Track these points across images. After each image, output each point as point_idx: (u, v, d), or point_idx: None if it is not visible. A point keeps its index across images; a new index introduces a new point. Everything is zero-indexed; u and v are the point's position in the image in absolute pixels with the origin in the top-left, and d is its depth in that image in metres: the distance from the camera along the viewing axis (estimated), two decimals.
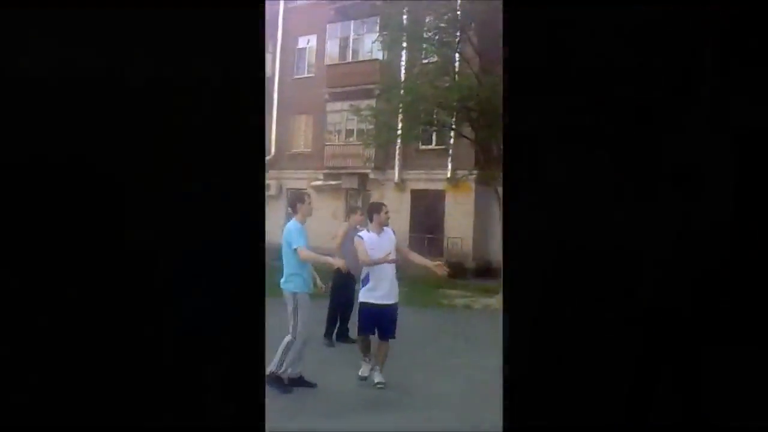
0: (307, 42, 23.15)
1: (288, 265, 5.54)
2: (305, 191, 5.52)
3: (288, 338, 5.42)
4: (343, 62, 21.47)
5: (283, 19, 23.37)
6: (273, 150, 23.34)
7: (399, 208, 19.51)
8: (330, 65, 21.59)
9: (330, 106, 21.67)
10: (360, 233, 5.79)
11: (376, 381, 5.63)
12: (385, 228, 5.82)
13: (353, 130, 21.01)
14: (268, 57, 23.62)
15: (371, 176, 20.29)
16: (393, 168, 19.97)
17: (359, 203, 20.26)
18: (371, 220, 5.89)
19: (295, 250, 5.38)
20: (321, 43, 22.44)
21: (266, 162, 22.91)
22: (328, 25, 21.89)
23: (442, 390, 5.72)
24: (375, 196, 20.32)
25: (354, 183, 20.75)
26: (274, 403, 4.99)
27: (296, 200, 5.73)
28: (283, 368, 5.37)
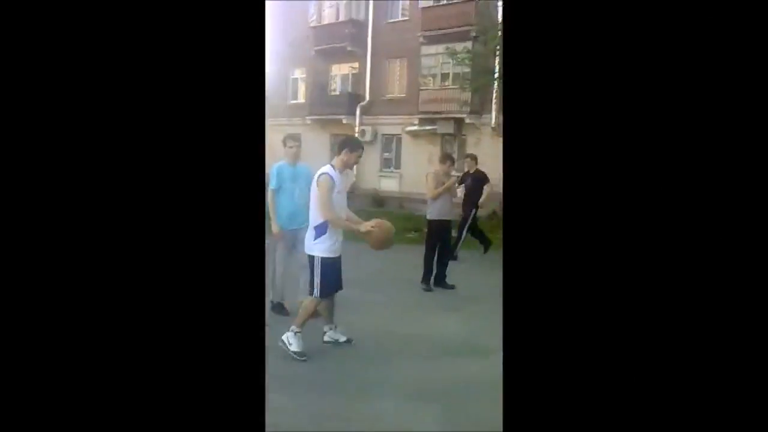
0: None
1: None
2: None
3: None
4: (437, 4, 20.95)
5: None
6: (368, 96, 23.36)
7: (496, 153, 19.12)
8: (424, 8, 21.11)
9: (425, 50, 21.30)
10: (330, 172, 4.69)
11: (344, 339, 5.20)
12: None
13: (449, 74, 20.61)
14: (360, 3, 23.42)
15: (467, 121, 19.94)
16: (490, 112, 19.54)
17: (455, 148, 20.09)
18: (338, 154, 4.91)
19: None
20: None
21: (360, 107, 23.02)
22: None
23: None
24: (471, 141, 20.05)
25: (449, 128, 20.49)
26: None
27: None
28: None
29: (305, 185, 5.38)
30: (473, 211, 9.92)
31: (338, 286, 4.97)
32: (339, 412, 3.80)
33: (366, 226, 4.73)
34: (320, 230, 4.70)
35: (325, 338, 5.16)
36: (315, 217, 4.72)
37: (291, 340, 4.79)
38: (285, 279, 6.11)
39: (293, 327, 4.83)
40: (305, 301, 4.93)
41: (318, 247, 4.73)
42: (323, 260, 4.72)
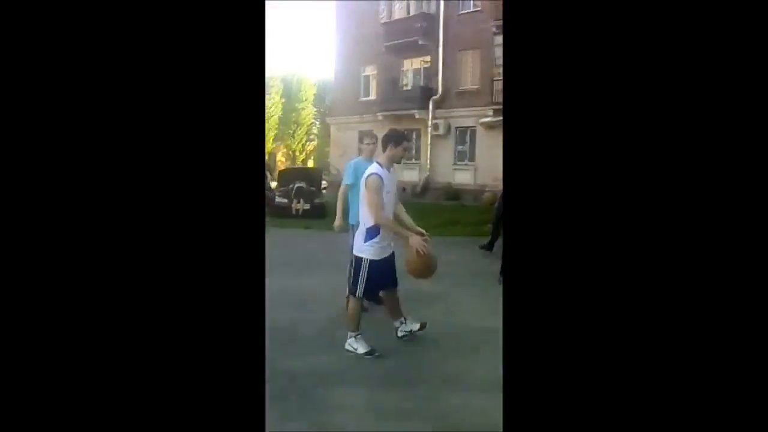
0: None
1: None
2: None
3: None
4: None
5: None
6: (440, 89, 23.17)
7: None
8: None
9: (498, 40, 20.89)
10: (378, 172, 4.47)
11: (417, 328, 5.04)
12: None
13: None
14: None
15: None
16: None
17: None
18: (384, 151, 4.69)
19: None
20: None
21: (433, 101, 22.85)
22: None
23: None
24: None
25: None
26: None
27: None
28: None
29: None
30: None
31: (384, 286, 4.83)
32: (419, 406, 3.69)
33: (415, 239, 4.51)
34: (372, 233, 4.53)
35: (399, 333, 5.01)
36: (366, 219, 4.55)
37: (355, 345, 4.69)
38: None
39: (350, 333, 4.73)
40: (350, 304, 4.77)
41: (368, 250, 4.57)
42: (372, 263, 4.57)
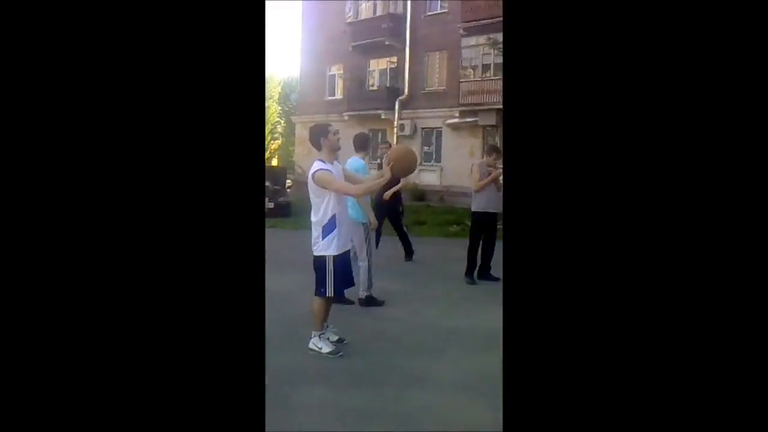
0: None
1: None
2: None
3: (364, 263, 6.19)
4: None
5: None
6: (406, 90, 23.19)
7: None
8: None
9: (465, 41, 21.04)
10: (323, 166, 4.45)
11: (337, 338, 4.85)
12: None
13: (490, 65, 20.32)
14: None
15: None
16: None
17: (497, 140, 19.79)
18: (318, 148, 4.60)
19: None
20: None
21: (399, 102, 22.86)
22: None
23: None
24: None
25: (492, 119, 20.18)
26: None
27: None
28: (371, 288, 6.20)
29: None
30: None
31: (349, 281, 4.75)
32: (383, 406, 3.66)
33: (386, 169, 4.55)
34: (329, 228, 4.48)
35: (310, 345, 4.70)
36: (320, 216, 4.48)
37: (319, 344, 4.64)
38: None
39: (314, 332, 4.68)
40: (315, 304, 4.68)
41: (328, 247, 4.49)
42: (335, 258, 4.50)
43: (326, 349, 4.60)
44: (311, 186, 4.48)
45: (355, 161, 6.15)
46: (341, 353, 4.59)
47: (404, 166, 4.69)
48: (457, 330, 5.34)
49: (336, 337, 4.87)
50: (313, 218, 4.54)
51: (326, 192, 4.43)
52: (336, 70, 26.68)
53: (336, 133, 4.64)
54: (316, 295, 4.63)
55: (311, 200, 4.55)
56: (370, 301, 6.17)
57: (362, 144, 6.38)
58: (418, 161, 22.44)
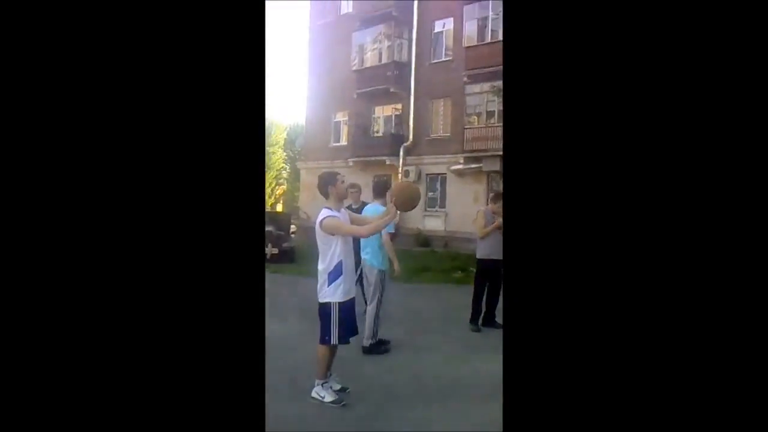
0: (443, 26, 22.86)
1: (369, 243, 6.15)
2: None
3: (372, 308, 6.15)
4: (482, 43, 20.95)
5: (418, 5, 23.24)
6: (411, 136, 23.36)
7: None
8: (468, 47, 21.15)
9: (469, 89, 21.27)
10: (331, 213, 4.48)
11: (340, 387, 4.77)
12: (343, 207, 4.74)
13: (494, 111, 20.50)
14: (403, 43, 23.66)
15: None
16: None
17: (501, 186, 19.83)
18: (326, 196, 4.62)
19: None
20: (458, 25, 22.04)
21: (404, 148, 23.02)
22: (465, 7, 21.44)
23: None
24: None
25: (496, 165, 20.24)
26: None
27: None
28: (375, 337, 6.15)
29: None
30: None
31: (354, 329, 4.65)
32: None
33: (390, 206, 4.57)
34: (335, 274, 4.44)
35: (313, 394, 4.62)
36: (327, 263, 4.46)
37: (321, 393, 4.57)
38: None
39: (317, 381, 4.61)
40: (319, 352, 4.62)
41: (333, 293, 4.45)
42: (340, 305, 4.46)
43: (329, 398, 4.52)
44: (319, 233, 4.47)
45: (374, 207, 6.34)
46: (344, 402, 4.51)
47: (406, 199, 4.66)
48: (461, 379, 5.26)
49: (339, 386, 4.78)
50: (320, 266, 4.51)
51: (334, 238, 4.43)
52: (341, 117, 26.93)
53: (344, 181, 4.68)
54: (320, 342, 4.57)
55: (319, 247, 4.53)
56: (372, 349, 6.10)
57: (381, 190, 6.42)
58: (423, 206, 22.62)
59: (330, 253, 4.45)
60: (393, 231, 6.29)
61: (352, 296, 4.59)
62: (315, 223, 4.55)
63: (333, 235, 4.42)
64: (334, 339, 4.47)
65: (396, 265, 6.19)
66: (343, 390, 4.75)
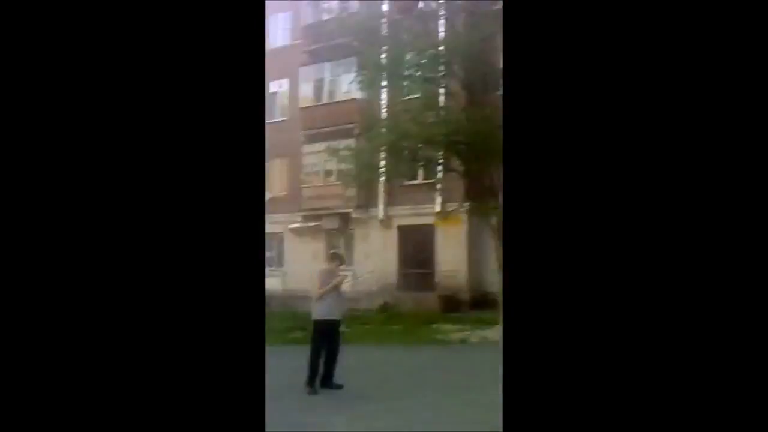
0: (279, 86, 22.96)
1: None
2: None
3: None
4: (318, 104, 21.30)
5: None
6: None
7: (385, 245, 19.32)
8: (304, 108, 21.41)
9: (306, 148, 21.45)
10: None
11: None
12: None
13: (332, 170, 20.74)
14: None
15: (354, 215, 20.00)
16: (377, 205, 19.70)
17: (341, 244, 19.97)
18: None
19: None
20: (294, 86, 22.29)
21: None
22: (300, 69, 21.72)
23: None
24: (359, 235, 20.02)
25: (335, 223, 20.42)
26: None
27: None
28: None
29: None
30: None
31: None
32: None
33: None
34: None
35: None
36: None
37: None
38: None
39: None
40: None
41: None
42: None
43: None
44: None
45: None
46: None
47: None
48: None
49: None
50: None
51: None
52: None
53: None
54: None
55: None
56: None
57: None
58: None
59: None
60: None
61: None
62: None
63: None
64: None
65: None
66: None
